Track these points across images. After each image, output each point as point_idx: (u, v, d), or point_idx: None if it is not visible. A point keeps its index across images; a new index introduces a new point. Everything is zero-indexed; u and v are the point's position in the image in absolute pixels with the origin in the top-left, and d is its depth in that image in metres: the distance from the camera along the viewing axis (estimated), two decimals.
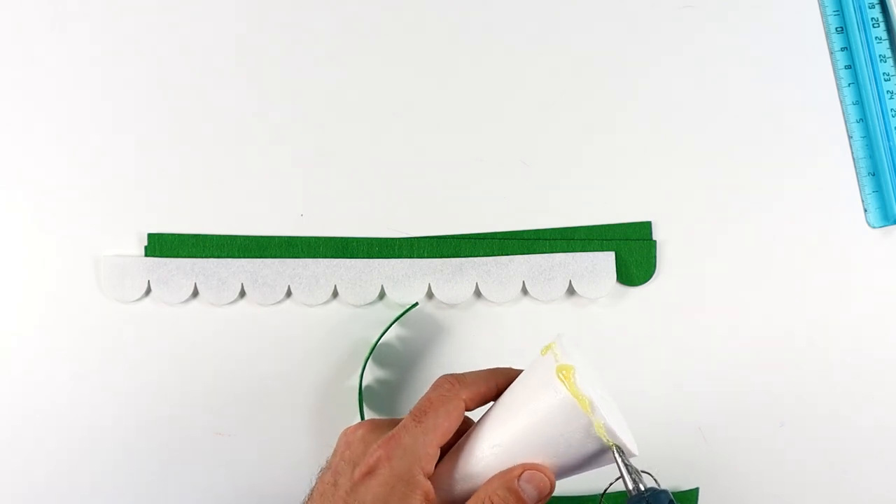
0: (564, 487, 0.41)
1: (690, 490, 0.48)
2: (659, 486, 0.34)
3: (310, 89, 0.50)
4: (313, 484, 0.37)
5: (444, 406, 0.36)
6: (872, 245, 0.50)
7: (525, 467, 0.35)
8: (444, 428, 0.36)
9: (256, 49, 0.50)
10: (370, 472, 0.35)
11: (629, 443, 0.34)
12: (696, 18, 0.51)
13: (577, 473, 0.36)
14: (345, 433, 0.38)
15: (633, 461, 0.35)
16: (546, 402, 0.34)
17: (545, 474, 0.34)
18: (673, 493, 0.47)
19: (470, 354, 0.49)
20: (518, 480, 0.34)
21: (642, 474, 0.34)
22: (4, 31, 0.49)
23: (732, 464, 0.49)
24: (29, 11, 0.50)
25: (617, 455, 0.34)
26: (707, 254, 0.50)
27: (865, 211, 0.50)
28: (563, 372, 0.34)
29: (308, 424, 0.48)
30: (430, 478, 0.35)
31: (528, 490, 0.34)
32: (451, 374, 0.38)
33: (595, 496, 0.47)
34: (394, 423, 0.37)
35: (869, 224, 0.50)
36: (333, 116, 0.50)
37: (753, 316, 0.50)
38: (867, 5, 0.51)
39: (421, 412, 0.36)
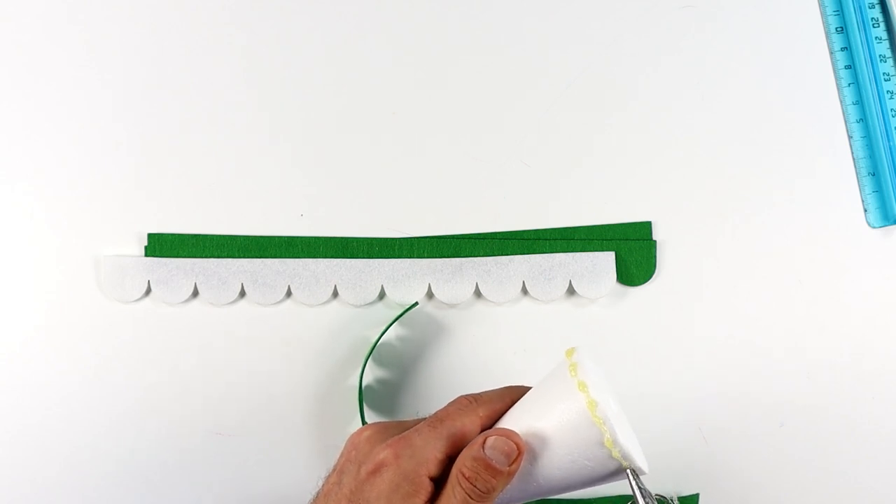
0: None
1: (691, 496, 0.48)
2: None
3: (310, 89, 0.50)
4: (319, 487, 0.37)
5: (461, 419, 0.36)
6: (872, 245, 0.50)
7: (487, 434, 0.35)
8: (458, 438, 0.36)
9: (256, 49, 0.50)
10: (376, 471, 0.35)
11: (640, 460, 0.35)
12: (696, 18, 0.51)
13: (590, 487, 0.36)
14: (351, 436, 0.38)
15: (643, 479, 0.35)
16: (566, 415, 0.34)
17: (509, 437, 0.34)
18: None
19: (470, 354, 0.49)
20: (483, 448, 0.34)
21: (655, 497, 0.34)
22: (5, 31, 0.49)
23: (732, 463, 0.49)
24: (29, 12, 0.50)
25: (632, 478, 0.34)
26: (707, 254, 0.50)
27: (865, 211, 0.50)
28: (582, 386, 0.34)
29: (308, 424, 0.48)
30: (434, 481, 0.35)
31: (495, 456, 0.34)
32: (469, 394, 0.38)
33: (594, 499, 0.47)
34: (401, 425, 0.37)
35: (869, 224, 0.50)
36: (333, 116, 0.50)
37: (753, 316, 0.49)
38: (867, 5, 0.51)
39: (438, 420, 0.36)
